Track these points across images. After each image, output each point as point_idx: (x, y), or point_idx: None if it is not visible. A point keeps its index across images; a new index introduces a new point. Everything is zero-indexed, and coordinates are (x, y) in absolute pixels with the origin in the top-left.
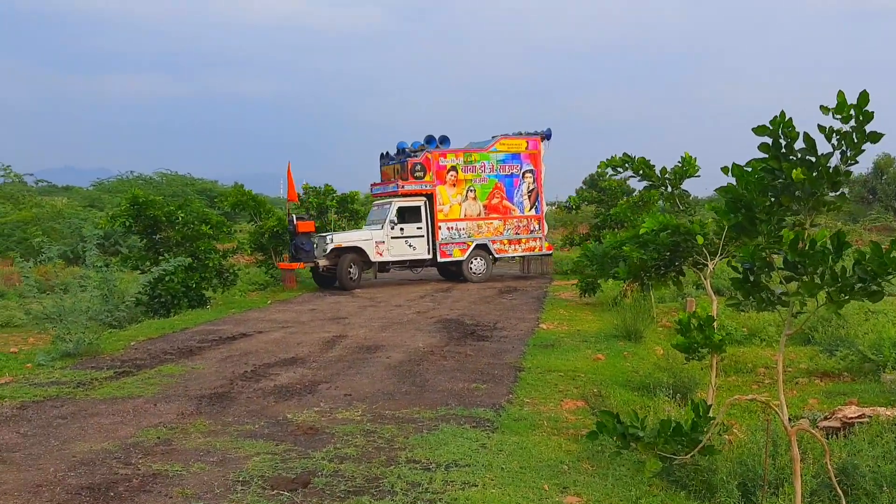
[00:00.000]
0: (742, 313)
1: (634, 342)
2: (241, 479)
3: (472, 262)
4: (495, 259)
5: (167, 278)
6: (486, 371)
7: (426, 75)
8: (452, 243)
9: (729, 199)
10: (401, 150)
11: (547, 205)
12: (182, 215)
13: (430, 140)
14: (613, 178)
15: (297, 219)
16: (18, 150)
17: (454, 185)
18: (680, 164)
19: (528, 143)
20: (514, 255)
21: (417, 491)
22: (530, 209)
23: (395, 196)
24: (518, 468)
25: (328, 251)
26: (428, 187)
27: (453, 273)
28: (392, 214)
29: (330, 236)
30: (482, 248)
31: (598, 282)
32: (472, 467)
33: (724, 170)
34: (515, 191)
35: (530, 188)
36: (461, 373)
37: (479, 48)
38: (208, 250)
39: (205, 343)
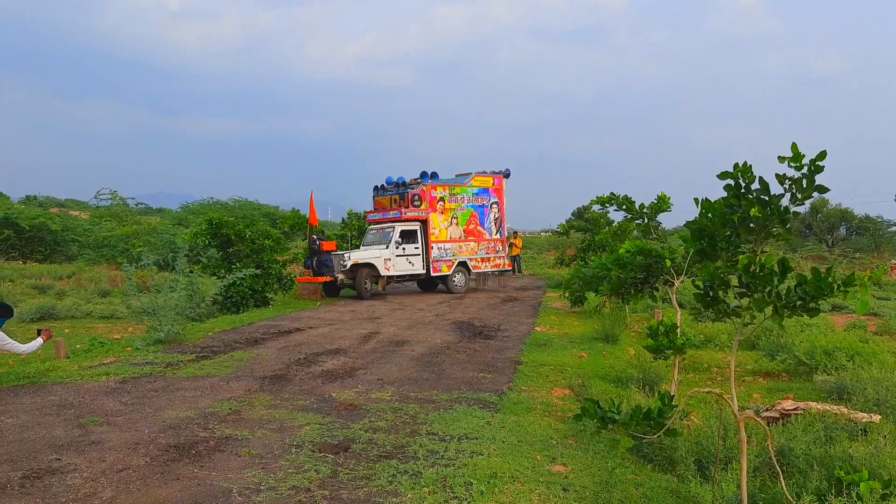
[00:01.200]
0: (700, 323)
1: (612, 344)
2: (295, 443)
3: (455, 277)
4: (471, 273)
5: (238, 283)
6: (491, 363)
7: (444, 118)
8: (441, 261)
9: (695, 229)
10: (390, 183)
11: (541, 232)
12: (249, 233)
13: (424, 175)
14: (599, 211)
15: (319, 239)
16: (121, 178)
17: (442, 213)
18: (655, 201)
19: (494, 179)
20: (485, 270)
21: (436, 457)
22: (496, 233)
23: (398, 221)
24: (516, 442)
25: (347, 266)
26: (423, 214)
27: (434, 286)
28: (396, 236)
29: (347, 254)
30: (462, 265)
31: (585, 294)
32: (479, 440)
33: (696, 201)
34: (486, 218)
35: (496, 216)
36: (471, 364)
37: (488, 97)
38: (271, 261)
39: (267, 335)
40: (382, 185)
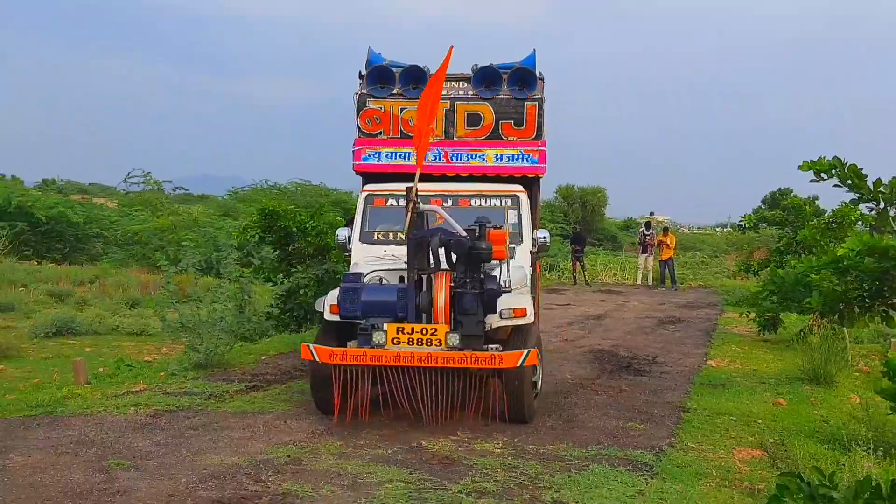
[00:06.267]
0: None
1: (824, 387)
2: None
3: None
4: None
5: (301, 292)
6: (643, 409)
7: (584, 71)
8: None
9: None
10: (409, 71)
11: (717, 227)
12: (313, 225)
13: (531, 61)
14: (813, 181)
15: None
16: (158, 158)
17: None
18: None
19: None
20: None
21: None
22: None
23: (507, 173)
24: None
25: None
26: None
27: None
28: (526, 213)
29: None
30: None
31: (780, 316)
32: None
33: None
34: None
35: None
36: (615, 409)
37: (643, 47)
38: (340, 262)
39: None
40: (414, 69)
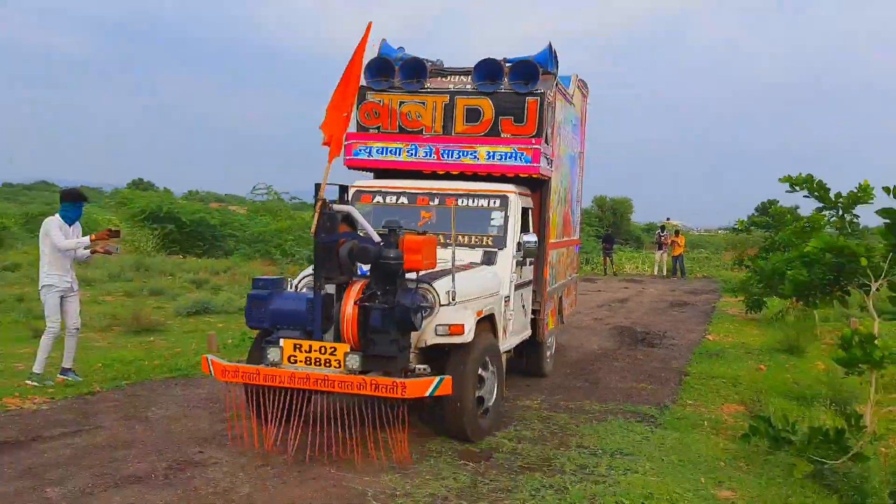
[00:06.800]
0: None
1: (797, 356)
2: (434, 448)
3: (549, 339)
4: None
5: None
6: (653, 374)
7: (627, 102)
8: (551, 299)
9: (894, 219)
10: (419, 64)
11: (718, 229)
12: None
13: (547, 57)
14: (788, 192)
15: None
16: (278, 174)
17: (557, 168)
18: (855, 191)
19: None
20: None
21: (584, 472)
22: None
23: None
24: (677, 461)
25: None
26: (547, 168)
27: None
28: (514, 223)
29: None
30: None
31: (764, 299)
32: (634, 457)
33: (886, 189)
34: (575, 185)
35: (580, 182)
36: (630, 374)
37: (676, 78)
38: None
39: None
40: (413, 62)
